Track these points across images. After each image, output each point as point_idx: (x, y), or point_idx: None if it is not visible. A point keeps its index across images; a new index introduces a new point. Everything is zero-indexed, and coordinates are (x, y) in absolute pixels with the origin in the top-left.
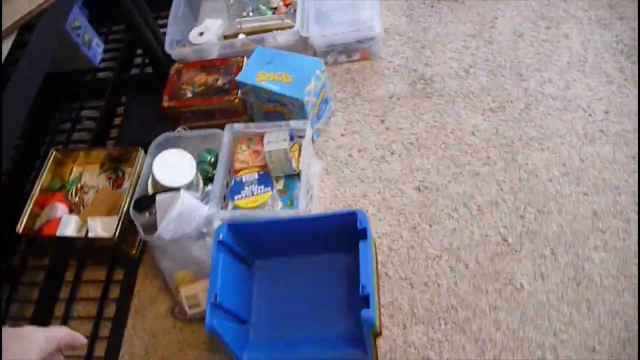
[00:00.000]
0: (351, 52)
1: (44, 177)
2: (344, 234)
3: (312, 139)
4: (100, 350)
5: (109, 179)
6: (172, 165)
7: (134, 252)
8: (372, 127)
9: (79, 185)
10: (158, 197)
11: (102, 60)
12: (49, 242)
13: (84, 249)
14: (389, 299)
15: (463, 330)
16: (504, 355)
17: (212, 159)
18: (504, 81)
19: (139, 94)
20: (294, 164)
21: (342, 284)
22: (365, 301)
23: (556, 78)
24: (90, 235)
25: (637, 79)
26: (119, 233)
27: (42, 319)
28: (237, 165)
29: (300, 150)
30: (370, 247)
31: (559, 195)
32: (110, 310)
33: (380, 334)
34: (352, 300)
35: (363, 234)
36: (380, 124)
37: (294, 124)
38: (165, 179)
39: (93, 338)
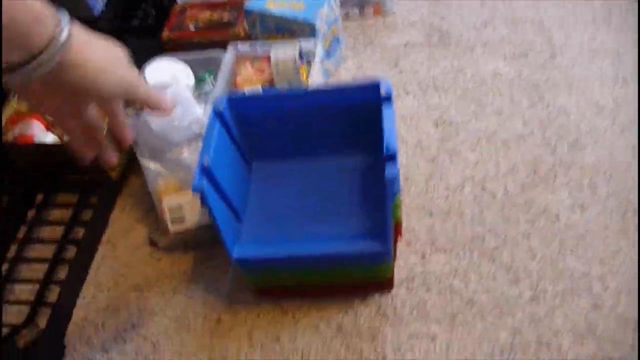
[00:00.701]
0: (364, 5)
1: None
2: (360, 121)
3: (322, 60)
4: (62, 274)
5: None
6: (166, 73)
7: (114, 173)
8: (385, 71)
9: None
10: (150, 84)
11: (103, 11)
12: (18, 156)
13: (56, 164)
14: (403, 226)
15: (492, 259)
16: (543, 285)
17: (212, 77)
18: (526, 33)
19: (138, 40)
20: (302, 77)
21: (354, 184)
22: (390, 160)
23: (581, 31)
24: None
25: None
26: None
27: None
28: (239, 80)
29: (309, 71)
30: (394, 114)
31: (593, 130)
32: (80, 235)
33: (400, 233)
34: (367, 201)
35: (387, 100)
36: (393, 67)
37: (303, 41)
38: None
39: (55, 261)
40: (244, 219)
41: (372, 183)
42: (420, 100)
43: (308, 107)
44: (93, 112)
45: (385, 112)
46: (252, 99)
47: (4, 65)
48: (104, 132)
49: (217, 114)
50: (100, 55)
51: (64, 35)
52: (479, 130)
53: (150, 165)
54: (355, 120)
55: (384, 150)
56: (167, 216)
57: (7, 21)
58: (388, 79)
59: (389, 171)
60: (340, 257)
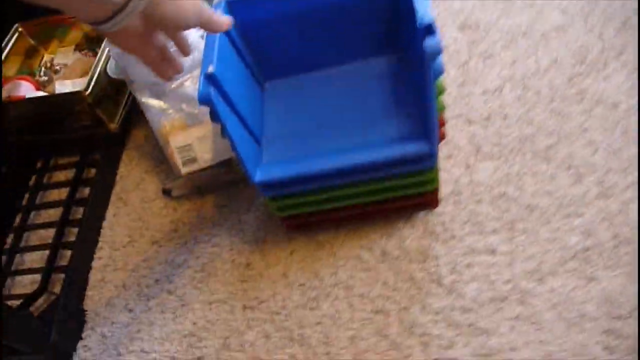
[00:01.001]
0: None
1: (10, 62)
2: (381, 21)
3: None
4: (71, 238)
5: (85, 56)
6: None
7: (113, 125)
8: None
9: (48, 64)
10: None
11: None
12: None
13: (50, 120)
14: None
15: (547, 159)
16: (611, 178)
17: None
18: None
19: None
20: None
21: (385, 91)
22: (426, 32)
23: None
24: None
25: None
26: (92, 91)
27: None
28: None
29: None
30: None
31: None
32: (87, 195)
33: (443, 132)
34: (401, 106)
35: None
36: None
37: None
38: None
39: (63, 224)
40: (263, 142)
41: (406, 86)
42: (440, 6)
43: (319, 3)
44: (162, 37)
45: None
46: (256, 4)
47: (106, 14)
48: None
49: None
50: None
51: None
52: (512, 27)
53: (150, 103)
54: (375, 14)
55: (418, 21)
56: (177, 158)
57: None
58: None
59: (428, 43)
60: (378, 164)
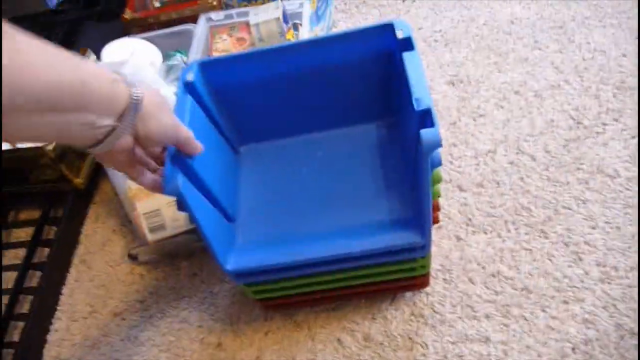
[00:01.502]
0: None
1: None
2: (371, 79)
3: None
4: (25, 306)
5: None
6: (126, 51)
7: (78, 180)
8: None
9: None
10: (102, 64)
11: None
12: None
13: (11, 173)
14: None
15: (544, 234)
16: (611, 259)
17: (184, 58)
18: None
19: (104, 24)
20: None
21: (371, 162)
22: (423, 119)
23: None
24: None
25: None
26: (55, 145)
27: None
28: (216, 55)
29: (297, 36)
30: (419, 58)
31: None
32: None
33: (437, 217)
34: (390, 181)
35: (406, 45)
36: None
37: (287, 4)
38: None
39: (17, 291)
40: (237, 218)
41: (396, 159)
42: (430, 59)
43: (303, 65)
44: (139, 151)
45: (408, 58)
46: (231, 61)
47: (97, 138)
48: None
49: (187, 86)
50: (157, 101)
51: (136, 91)
52: (504, 83)
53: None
54: (364, 78)
55: (415, 107)
56: (144, 225)
57: (103, 90)
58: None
59: (425, 135)
60: (366, 255)
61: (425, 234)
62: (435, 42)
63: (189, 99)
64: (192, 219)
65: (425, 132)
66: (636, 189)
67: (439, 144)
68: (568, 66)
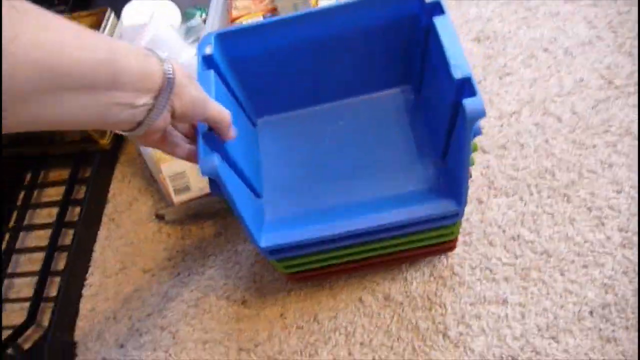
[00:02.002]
0: None
1: None
2: (396, 45)
3: None
4: (60, 263)
5: None
6: (145, 13)
7: (104, 141)
8: None
9: None
10: (122, 28)
11: None
12: None
13: (38, 135)
14: None
15: (567, 198)
16: (634, 224)
17: (203, 15)
18: None
19: None
20: (311, 1)
21: (398, 129)
22: (462, 88)
23: None
24: None
25: None
26: None
27: None
28: (235, 13)
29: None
30: (451, 22)
31: None
32: (77, 215)
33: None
34: (419, 148)
35: (434, 9)
36: None
37: None
38: (132, 25)
39: (52, 249)
40: (264, 194)
41: (420, 124)
42: (455, 14)
43: (324, 33)
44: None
45: (440, 23)
46: (249, 31)
47: (136, 119)
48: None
49: (206, 60)
50: (187, 75)
51: (168, 66)
52: (533, 39)
53: None
54: (386, 44)
55: (453, 74)
56: (169, 186)
57: (137, 67)
58: None
59: (469, 105)
60: (400, 226)
61: (462, 202)
62: None
63: (212, 73)
64: (227, 198)
65: (468, 102)
66: None
67: (483, 113)
68: (602, 21)
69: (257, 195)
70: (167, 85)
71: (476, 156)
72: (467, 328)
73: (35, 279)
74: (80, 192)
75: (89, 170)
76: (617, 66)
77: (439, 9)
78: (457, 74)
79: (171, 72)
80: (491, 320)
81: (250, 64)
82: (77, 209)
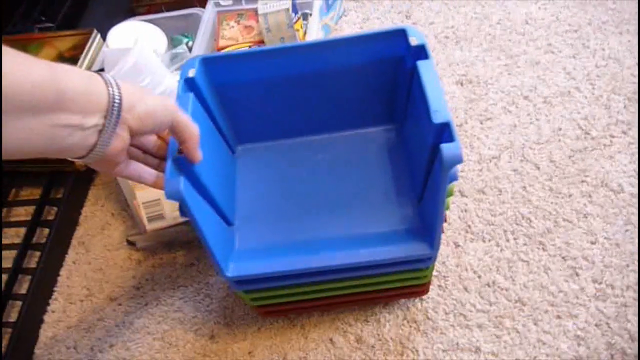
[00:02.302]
0: None
1: None
2: (379, 84)
3: (319, 16)
4: (24, 286)
5: None
6: (130, 37)
7: (79, 162)
8: (395, 22)
9: None
10: (106, 50)
11: None
12: None
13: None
14: None
15: (543, 246)
16: (608, 276)
17: (190, 43)
18: None
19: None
20: (298, 36)
21: (375, 168)
22: (441, 133)
23: None
24: None
25: None
26: None
27: None
28: (222, 43)
29: (305, 29)
30: (434, 67)
31: None
32: (45, 237)
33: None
34: (393, 190)
35: (419, 53)
36: (405, 19)
37: None
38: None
39: (16, 270)
40: (235, 221)
41: (399, 164)
42: (440, 56)
43: (310, 68)
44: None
45: (423, 67)
46: (235, 58)
47: (89, 142)
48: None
49: (188, 82)
50: (136, 88)
51: (113, 82)
52: (514, 87)
53: None
54: (370, 82)
55: (432, 119)
56: (143, 214)
57: (81, 87)
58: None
59: (447, 150)
60: (372, 265)
61: (435, 246)
62: (446, 39)
63: (191, 95)
64: (192, 223)
65: (446, 147)
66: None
67: (460, 159)
68: (580, 72)
69: (229, 222)
70: (115, 103)
71: (451, 201)
72: None
73: None
74: (51, 213)
75: (61, 191)
76: (593, 117)
77: (423, 53)
78: (437, 118)
79: (116, 88)
80: None
81: (233, 90)
82: (46, 231)
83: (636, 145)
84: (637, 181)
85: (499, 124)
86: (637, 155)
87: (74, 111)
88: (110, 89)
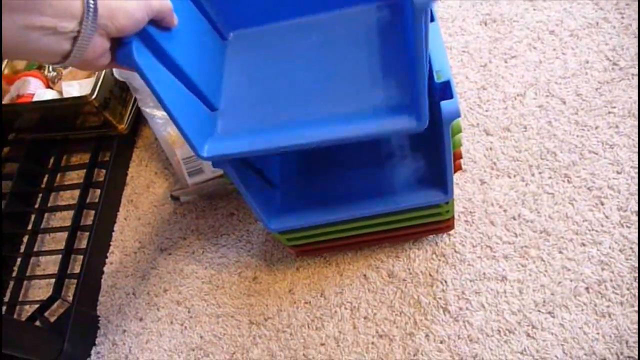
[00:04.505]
0: None
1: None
2: None
3: None
4: (83, 243)
5: None
6: None
7: (122, 126)
8: None
9: None
10: None
11: None
12: (19, 117)
13: (59, 121)
14: None
15: (568, 178)
16: (633, 204)
17: None
18: None
19: None
20: None
21: (368, 48)
22: (443, 91)
23: None
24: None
25: None
26: (98, 93)
27: (17, 213)
28: None
29: None
30: (437, 23)
31: None
32: (97, 198)
33: (460, 166)
34: (387, 68)
35: None
36: None
37: None
38: None
39: (74, 230)
40: (221, 106)
41: (391, 43)
42: None
43: None
44: None
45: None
46: None
47: (64, 47)
48: None
49: None
50: None
51: None
52: (539, 22)
53: (155, 114)
54: None
55: (435, 80)
56: (184, 169)
57: None
58: None
59: (444, 106)
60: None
61: (448, 191)
62: None
63: None
64: (152, 91)
65: (446, 104)
66: None
67: (458, 114)
68: (609, 2)
69: (212, 107)
70: (89, 10)
71: (462, 136)
72: (466, 303)
73: (59, 257)
74: (101, 175)
75: (108, 154)
76: (622, 48)
77: None
78: (439, 78)
79: None
80: (490, 296)
81: None
82: (98, 192)
83: None
84: None
85: (524, 61)
86: None
87: (49, 14)
88: None
